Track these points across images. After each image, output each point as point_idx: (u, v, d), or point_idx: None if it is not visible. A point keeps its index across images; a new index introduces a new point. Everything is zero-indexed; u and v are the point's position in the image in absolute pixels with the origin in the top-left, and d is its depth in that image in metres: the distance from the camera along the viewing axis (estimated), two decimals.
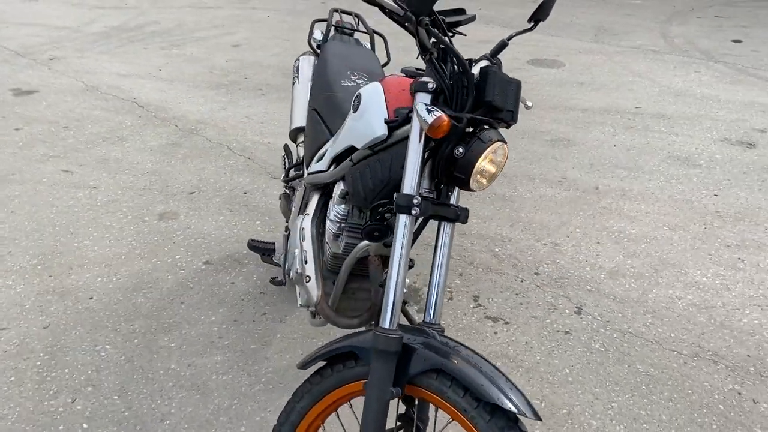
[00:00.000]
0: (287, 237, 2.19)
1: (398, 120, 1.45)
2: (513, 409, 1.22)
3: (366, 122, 1.51)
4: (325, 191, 1.93)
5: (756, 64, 7.20)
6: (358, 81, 2.19)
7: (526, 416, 1.23)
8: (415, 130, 1.33)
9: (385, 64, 2.49)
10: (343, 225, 1.69)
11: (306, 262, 1.76)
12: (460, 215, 1.43)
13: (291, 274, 1.89)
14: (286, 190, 2.63)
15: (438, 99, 1.34)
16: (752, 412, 2.17)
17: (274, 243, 2.36)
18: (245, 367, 2.33)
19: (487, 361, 1.33)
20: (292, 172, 2.42)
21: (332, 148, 1.79)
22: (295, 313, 2.64)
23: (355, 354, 1.41)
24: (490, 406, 1.26)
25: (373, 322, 1.77)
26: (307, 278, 1.74)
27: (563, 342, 2.52)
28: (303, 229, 1.81)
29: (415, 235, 1.63)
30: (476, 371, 1.28)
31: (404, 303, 1.73)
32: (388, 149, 1.49)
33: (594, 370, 2.35)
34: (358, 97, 1.56)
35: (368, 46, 2.54)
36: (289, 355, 2.40)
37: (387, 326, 1.34)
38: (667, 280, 2.89)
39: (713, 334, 2.56)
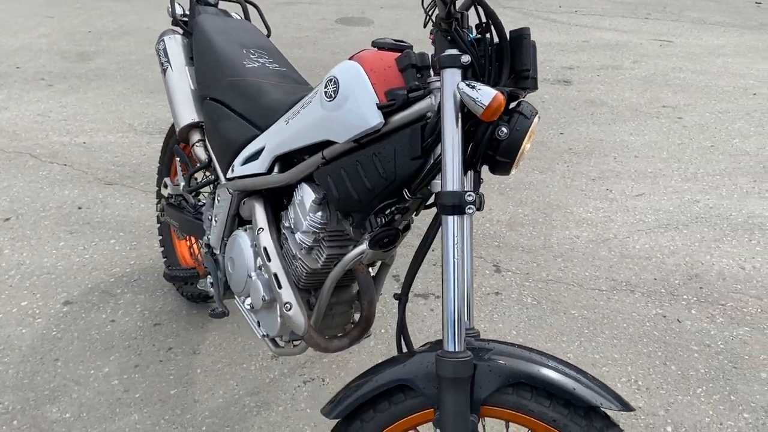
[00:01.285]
0: (213, 257, 1.82)
1: (395, 104, 1.21)
2: (613, 407, 1.11)
3: (350, 111, 1.25)
4: (269, 198, 1.61)
5: (539, 8, 7.85)
6: (261, 60, 1.86)
7: (624, 410, 1.13)
8: (449, 113, 1.11)
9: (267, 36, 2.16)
10: (321, 235, 1.42)
11: (280, 287, 1.45)
12: (482, 203, 1.26)
13: (252, 302, 1.56)
14: (170, 200, 2.20)
15: (466, 74, 1.13)
16: (681, 331, 2.35)
17: (193, 268, 1.96)
18: (174, 419, 1.93)
19: (556, 357, 1.20)
20: (194, 179, 2.02)
21: (273, 145, 1.48)
22: (208, 339, 2.27)
23: (403, 386, 1.19)
24: (583, 410, 1.14)
25: (367, 334, 1.54)
26: (287, 306, 1.43)
27: (498, 303, 2.49)
28: (265, 248, 1.48)
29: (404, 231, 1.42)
30: (559, 375, 1.14)
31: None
32: (384, 140, 1.25)
33: (537, 325, 2.36)
34: (334, 82, 1.27)
35: (239, 17, 2.18)
36: (222, 390, 2.04)
37: (454, 349, 1.13)
38: (560, 221, 3.01)
39: (619, 265, 2.72)
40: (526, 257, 2.76)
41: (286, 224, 1.51)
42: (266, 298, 1.50)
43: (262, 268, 1.55)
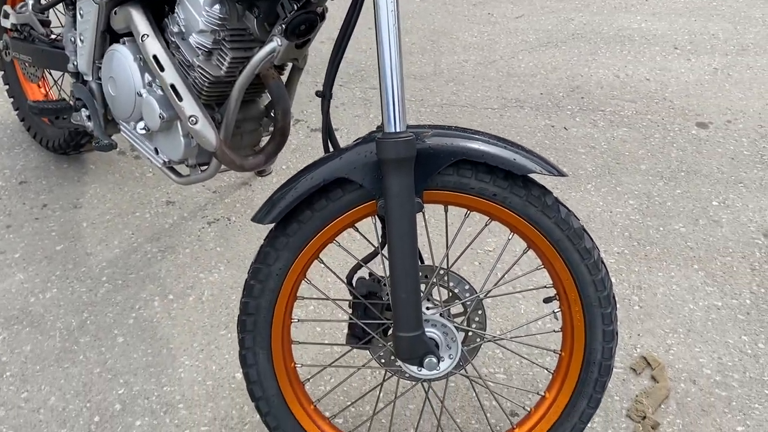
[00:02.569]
0: (84, 82, 1.56)
1: None
2: (553, 173, 1.11)
3: None
4: (146, 3, 1.37)
5: None
6: None
7: (562, 175, 1.14)
8: None
9: None
10: (222, 35, 1.23)
11: (181, 99, 1.27)
12: None
13: (146, 125, 1.37)
14: (15, 33, 1.84)
15: None
16: (568, 137, 2.45)
17: (63, 99, 1.66)
18: (66, 273, 1.75)
19: (491, 134, 1.17)
20: None
21: None
22: (88, 192, 2.03)
23: (341, 181, 1.11)
24: (521, 180, 1.13)
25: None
26: (192, 119, 1.26)
27: None
28: (155, 56, 1.27)
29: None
30: (498, 148, 1.12)
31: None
32: None
33: None
34: None
35: None
36: (116, 240, 1.87)
37: (396, 129, 1.05)
38: (448, 47, 2.96)
39: (507, 84, 2.75)
40: (419, 84, 2.71)
41: (175, 29, 1.30)
42: (164, 115, 1.32)
43: (153, 83, 1.36)
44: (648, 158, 2.35)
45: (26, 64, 1.95)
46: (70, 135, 1.92)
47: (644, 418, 1.47)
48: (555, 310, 1.22)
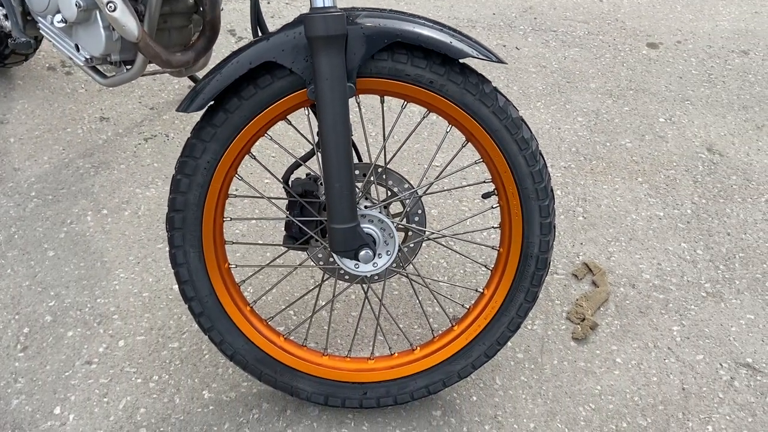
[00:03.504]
0: None
1: None
2: (490, 58, 1.07)
3: None
4: None
5: None
6: None
7: (501, 62, 1.10)
8: None
9: None
10: None
11: None
12: None
13: (64, 17, 1.27)
14: None
15: None
16: (520, 57, 2.41)
17: None
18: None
19: (429, 18, 1.12)
20: None
21: None
22: (15, 108, 1.92)
23: (269, 66, 1.05)
24: (458, 66, 1.09)
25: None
26: (110, 6, 1.17)
27: None
28: None
29: None
30: (435, 31, 1.07)
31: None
32: None
33: None
34: None
35: None
36: (46, 155, 1.77)
37: (325, 4, 0.99)
38: None
39: (459, 4, 2.67)
40: (370, 3, 2.61)
41: None
42: (81, 4, 1.22)
43: None
44: (598, 77, 2.34)
45: None
46: None
47: (583, 319, 1.49)
48: (493, 206, 1.20)
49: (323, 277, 1.26)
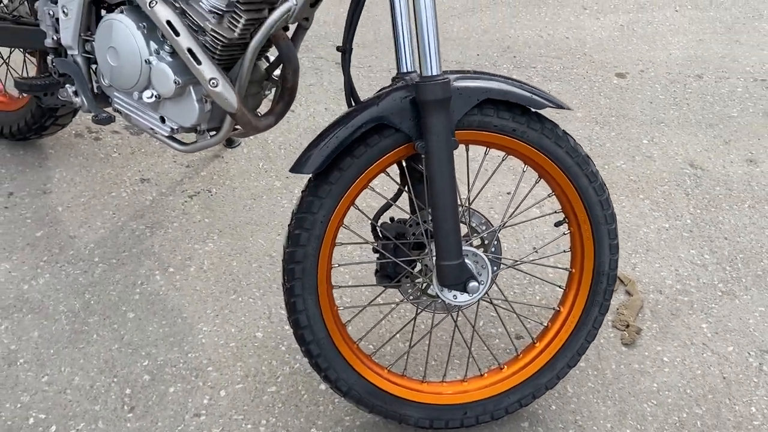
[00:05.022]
0: (71, 59, 1.51)
1: None
2: (563, 107, 1.26)
3: None
4: None
5: None
6: None
7: (569, 109, 1.28)
8: None
9: None
10: None
11: (199, 63, 1.27)
12: None
13: (157, 92, 1.36)
14: None
15: None
16: None
17: (49, 75, 1.56)
18: (54, 258, 1.68)
19: (504, 75, 1.28)
20: None
21: None
22: (55, 176, 1.95)
23: (377, 126, 1.19)
24: (536, 115, 1.26)
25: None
26: (213, 82, 1.27)
27: None
28: (168, 21, 1.26)
29: None
30: (515, 87, 1.24)
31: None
32: None
33: None
34: None
35: None
36: (98, 221, 1.81)
37: (433, 73, 1.14)
38: (383, 16, 3.03)
39: (444, 47, 2.87)
40: (364, 52, 2.78)
41: None
42: (179, 81, 1.32)
43: (161, 50, 1.35)
44: (582, 107, 2.58)
45: None
46: (33, 117, 1.84)
47: (627, 326, 1.68)
48: (564, 232, 1.37)
49: (417, 311, 1.39)
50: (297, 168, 1.21)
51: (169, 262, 1.72)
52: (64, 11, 1.45)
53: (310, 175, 1.23)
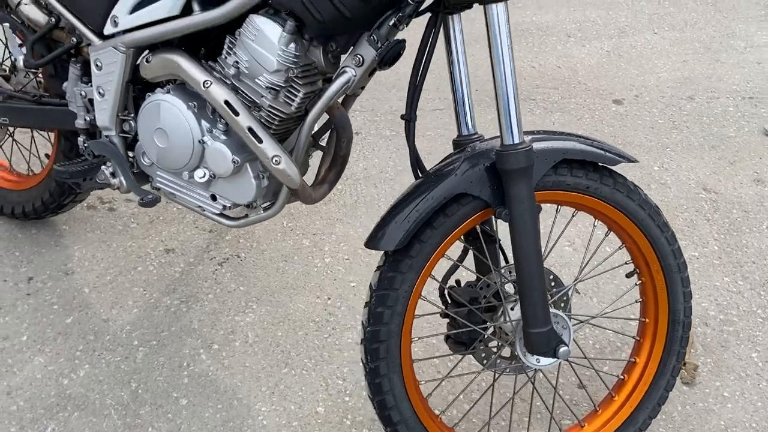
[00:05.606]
0: (107, 139, 1.43)
1: None
2: (632, 161, 1.25)
3: None
4: (184, 44, 1.30)
5: None
6: None
7: (635, 162, 1.28)
8: None
9: None
10: (294, 72, 1.20)
11: (261, 142, 1.22)
12: None
13: (212, 172, 1.29)
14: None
15: None
16: None
17: (85, 158, 1.46)
18: (91, 345, 1.58)
19: (573, 133, 1.27)
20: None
21: None
22: (75, 256, 1.85)
23: (456, 196, 1.16)
24: (607, 171, 1.25)
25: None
26: (276, 159, 1.22)
27: (362, 142, 2.48)
28: (227, 101, 1.21)
29: None
30: (586, 145, 1.23)
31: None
32: None
33: (407, 153, 2.43)
34: None
35: None
36: (129, 300, 1.72)
37: (516, 141, 1.12)
38: None
39: (443, 84, 2.88)
40: (365, 95, 2.75)
41: (231, 72, 1.25)
42: (238, 160, 1.26)
43: (215, 129, 1.29)
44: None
45: None
46: (51, 196, 1.74)
47: (684, 363, 1.67)
48: (636, 282, 1.36)
49: (495, 377, 1.35)
50: (375, 244, 1.17)
51: (212, 339, 1.64)
52: (100, 92, 1.38)
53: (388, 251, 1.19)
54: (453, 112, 1.31)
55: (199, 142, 1.29)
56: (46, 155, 1.79)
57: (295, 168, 1.26)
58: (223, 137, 1.29)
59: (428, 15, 1.22)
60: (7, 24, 1.42)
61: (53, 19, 1.41)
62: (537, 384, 1.41)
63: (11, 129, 1.75)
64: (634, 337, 1.41)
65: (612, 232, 1.33)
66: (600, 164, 1.23)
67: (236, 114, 1.23)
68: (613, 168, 1.25)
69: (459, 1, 1.16)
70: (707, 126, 2.72)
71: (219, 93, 1.24)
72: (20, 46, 1.49)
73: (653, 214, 1.28)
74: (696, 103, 2.89)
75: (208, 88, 1.24)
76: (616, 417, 1.37)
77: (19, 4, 1.42)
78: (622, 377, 1.40)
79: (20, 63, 1.43)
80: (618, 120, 2.74)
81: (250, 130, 1.24)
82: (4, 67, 1.68)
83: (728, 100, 2.91)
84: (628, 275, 1.38)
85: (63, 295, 1.73)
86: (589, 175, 1.23)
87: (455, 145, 1.32)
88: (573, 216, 1.33)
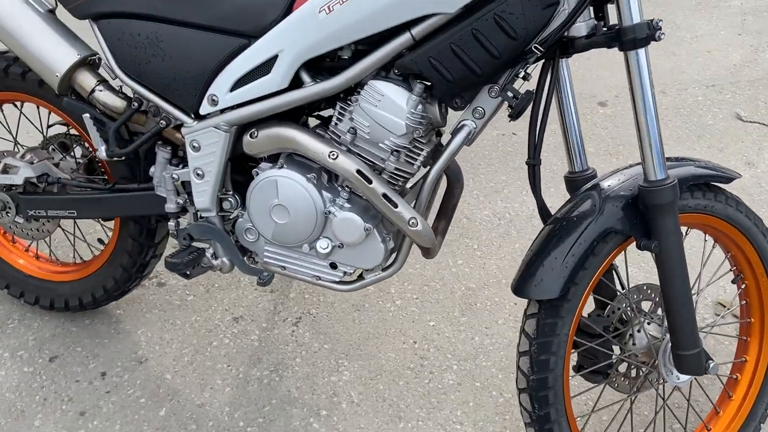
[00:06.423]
0: (207, 222, 1.35)
1: None
2: (737, 176, 1.33)
3: None
4: (294, 115, 1.26)
5: None
6: None
7: (738, 177, 1.35)
8: None
9: None
10: (419, 132, 1.19)
11: (396, 206, 1.20)
12: None
13: (341, 241, 1.25)
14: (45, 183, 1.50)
15: None
16: (519, 141, 2.71)
17: (192, 247, 1.34)
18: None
19: (687, 157, 1.34)
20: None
21: (301, 48, 1.15)
22: (141, 342, 1.73)
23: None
24: (717, 188, 1.32)
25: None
26: (412, 222, 1.20)
27: None
28: (359, 170, 1.18)
29: None
30: (701, 168, 1.29)
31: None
32: None
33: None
34: None
35: None
36: (218, 379, 1.63)
37: (660, 177, 1.16)
38: None
39: None
40: None
41: (348, 138, 1.23)
42: (370, 227, 1.24)
43: (338, 198, 1.26)
44: (588, 142, 2.72)
45: (30, 222, 1.57)
46: (116, 283, 1.62)
47: None
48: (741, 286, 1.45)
49: (632, 400, 1.40)
50: (532, 293, 1.19)
51: (317, 405, 1.60)
52: (198, 173, 1.31)
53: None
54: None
55: (324, 213, 1.26)
56: (100, 240, 1.67)
57: (429, 227, 1.26)
58: (348, 205, 1.27)
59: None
60: (87, 115, 1.31)
61: (135, 104, 1.33)
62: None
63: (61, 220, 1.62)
64: (739, 338, 1.50)
65: (718, 244, 1.41)
66: (712, 183, 1.31)
67: (369, 182, 1.21)
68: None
69: (588, 46, 1.19)
70: (687, 117, 2.91)
71: (348, 163, 1.21)
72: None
73: (758, 222, 1.37)
74: (669, 97, 3.07)
75: (335, 159, 1.21)
76: (740, 414, 1.45)
77: (93, 91, 1.33)
78: (735, 376, 1.48)
79: (102, 154, 1.33)
80: (608, 121, 2.88)
81: (385, 196, 1.22)
82: (72, 159, 1.55)
83: (696, 90, 3.12)
84: (734, 281, 1.46)
85: (145, 386, 1.63)
86: (706, 195, 1.30)
87: (568, 180, 1.37)
88: (705, 240, 1.41)
